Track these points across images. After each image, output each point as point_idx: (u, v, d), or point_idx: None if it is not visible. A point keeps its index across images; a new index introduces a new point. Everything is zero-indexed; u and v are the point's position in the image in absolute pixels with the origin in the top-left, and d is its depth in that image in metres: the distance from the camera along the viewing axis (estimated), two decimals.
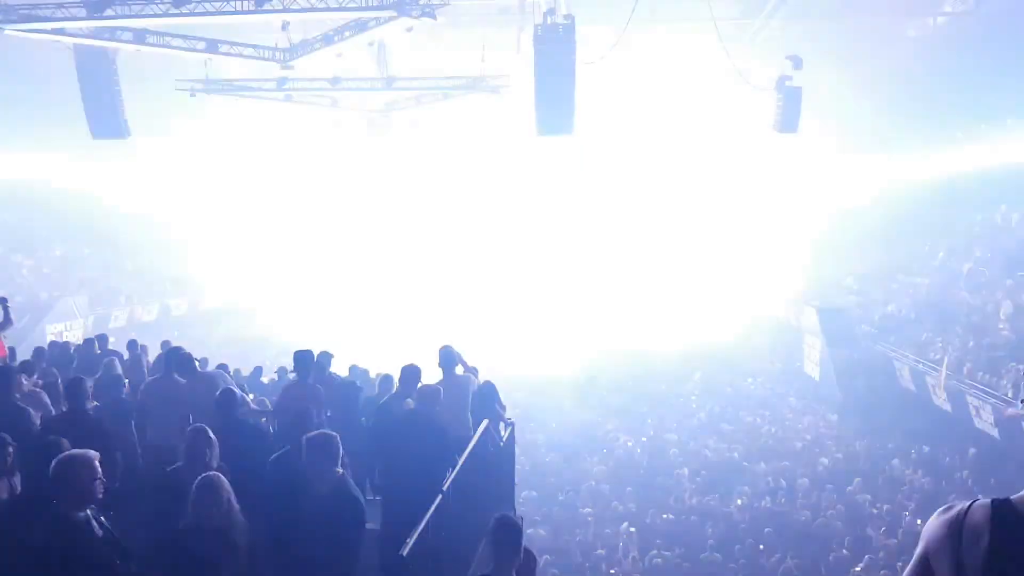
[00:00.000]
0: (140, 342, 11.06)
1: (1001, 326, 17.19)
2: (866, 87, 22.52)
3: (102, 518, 3.71)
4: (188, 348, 7.51)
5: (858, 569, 11.38)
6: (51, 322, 21.12)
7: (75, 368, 8.49)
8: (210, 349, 18.24)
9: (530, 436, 16.73)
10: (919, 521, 11.88)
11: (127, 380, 7.75)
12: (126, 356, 9.49)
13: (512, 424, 7.99)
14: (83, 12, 14.52)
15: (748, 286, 32.45)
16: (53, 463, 3.59)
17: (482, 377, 7.82)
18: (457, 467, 5.87)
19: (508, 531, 3.93)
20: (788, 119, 18.22)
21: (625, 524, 13.04)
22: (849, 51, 21.83)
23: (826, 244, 28.41)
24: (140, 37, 15.53)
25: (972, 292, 19.39)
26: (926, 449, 16.03)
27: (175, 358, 6.93)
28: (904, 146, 26.09)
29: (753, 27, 22.82)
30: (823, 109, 21.67)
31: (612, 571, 11.87)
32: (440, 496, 5.33)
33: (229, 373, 8.66)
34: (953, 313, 19.07)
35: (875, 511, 13.59)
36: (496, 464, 7.26)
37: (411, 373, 6.79)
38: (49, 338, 19.41)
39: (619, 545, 12.42)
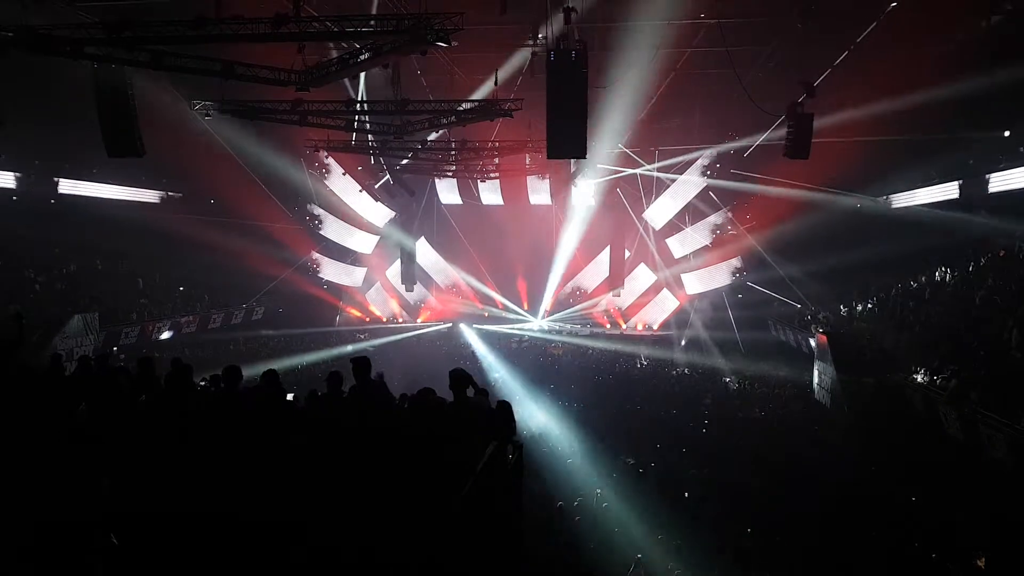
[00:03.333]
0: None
1: (1014, 354, 17.06)
2: (876, 109, 22.42)
3: None
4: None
5: None
6: (63, 338, 21.22)
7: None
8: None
9: (538, 458, 16.66)
10: None
11: None
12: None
13: (521, 446, 7.93)
14: (101, 33, 14.79)
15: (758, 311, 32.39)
16: None
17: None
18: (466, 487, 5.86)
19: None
20: (799, 145, 18.31)
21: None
22: (861, 74, 21.79)
23: (838, 270, 28.27)
24: (157, 58, 15.74)
25: (984, 319, 19.27)
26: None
27: None
28: (916, 171, 26.02)
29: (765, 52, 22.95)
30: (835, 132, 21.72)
31: None
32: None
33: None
34: (965, 340, 18.94)
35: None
36: (502, 486, 7.20)
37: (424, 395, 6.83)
38: (60, 353, 19.54)
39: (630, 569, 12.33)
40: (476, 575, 6.19)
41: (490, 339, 34.00)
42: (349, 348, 31.05)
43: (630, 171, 32.87)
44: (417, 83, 24.35)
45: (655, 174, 33.06)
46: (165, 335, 27.41)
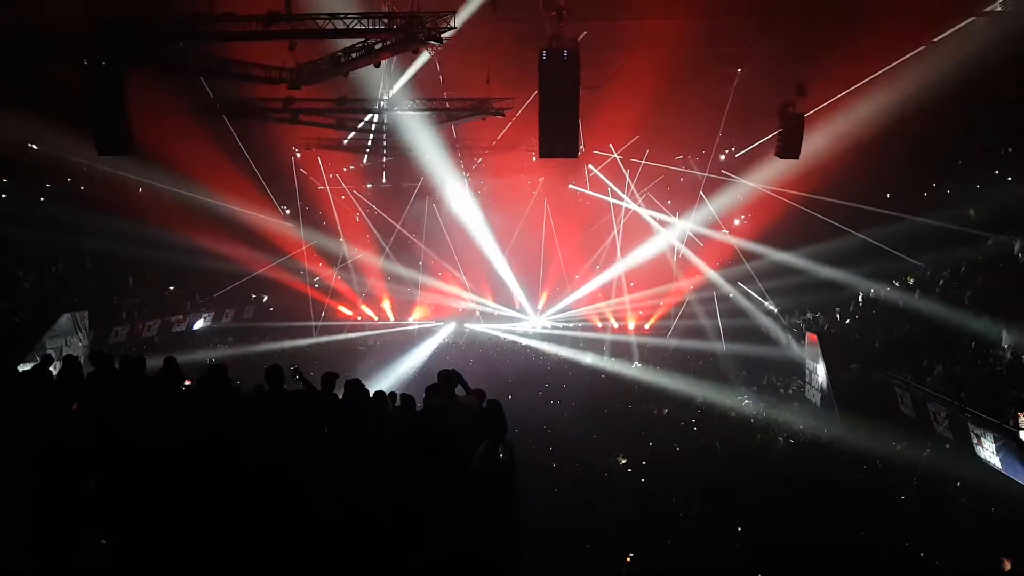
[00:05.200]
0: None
1: (1003, 353, 17.17)
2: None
3: None
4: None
5: None
6: (51, 337, 21.08)
7: None
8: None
9: (530, 457, 16.61)
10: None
11: None
12: None
13: (512, 445, 7.92)
14: (95, 31, 14.73)
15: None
16: None
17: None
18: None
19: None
20: (790, 146, 18.41)
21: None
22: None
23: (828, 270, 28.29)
24: (151, 55, 15.67)
25: (974, 318, 19.37)
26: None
27: None
28: (910, 171, 26.04)
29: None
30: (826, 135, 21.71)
31: None
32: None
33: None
34: (955, 339, 19.06)
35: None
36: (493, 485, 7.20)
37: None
38: (49, 354, 19.41)
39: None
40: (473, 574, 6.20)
41: (473, 341, 34.09)
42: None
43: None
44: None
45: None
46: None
